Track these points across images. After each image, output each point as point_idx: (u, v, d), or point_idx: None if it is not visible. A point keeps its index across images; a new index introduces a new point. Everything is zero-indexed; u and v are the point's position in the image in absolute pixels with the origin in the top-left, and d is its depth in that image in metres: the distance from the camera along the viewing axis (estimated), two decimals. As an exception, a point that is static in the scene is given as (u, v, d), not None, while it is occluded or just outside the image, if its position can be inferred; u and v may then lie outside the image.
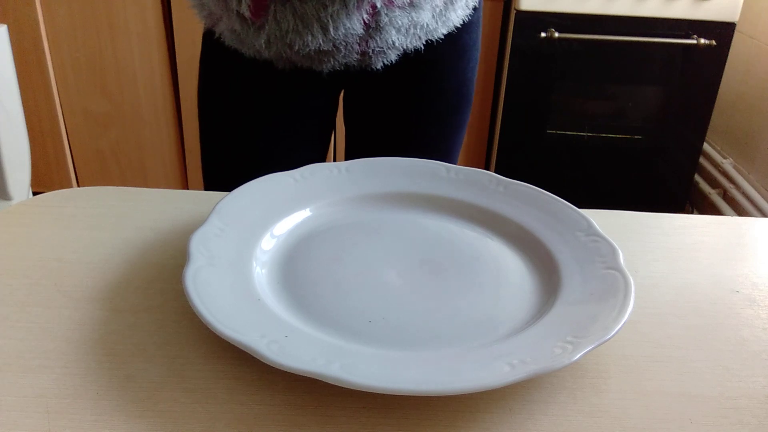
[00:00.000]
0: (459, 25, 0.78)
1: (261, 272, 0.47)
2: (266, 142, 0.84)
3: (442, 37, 0.77)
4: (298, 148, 0.86)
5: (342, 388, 0.38)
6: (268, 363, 0.37)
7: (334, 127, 0.91)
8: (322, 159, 0.90)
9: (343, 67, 0.75)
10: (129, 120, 1.90)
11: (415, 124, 0.84)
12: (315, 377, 0.36)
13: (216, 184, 0.87)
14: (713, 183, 2.01)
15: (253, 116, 0.82)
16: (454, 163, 0.90)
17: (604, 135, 1.93)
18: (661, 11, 1.73)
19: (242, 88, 0.81)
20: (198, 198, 0.60)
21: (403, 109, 0.83)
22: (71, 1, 1.74)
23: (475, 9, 0.79)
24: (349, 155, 0.91)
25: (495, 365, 0.38)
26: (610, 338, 0.40)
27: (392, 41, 0.72)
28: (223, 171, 0.87)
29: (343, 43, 0.71)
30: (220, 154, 0.86)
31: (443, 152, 0.87)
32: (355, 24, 0.69)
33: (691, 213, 2.08)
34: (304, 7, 0.67)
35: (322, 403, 0.39)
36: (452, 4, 0.75)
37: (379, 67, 0.76)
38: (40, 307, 0.45)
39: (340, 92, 0.87)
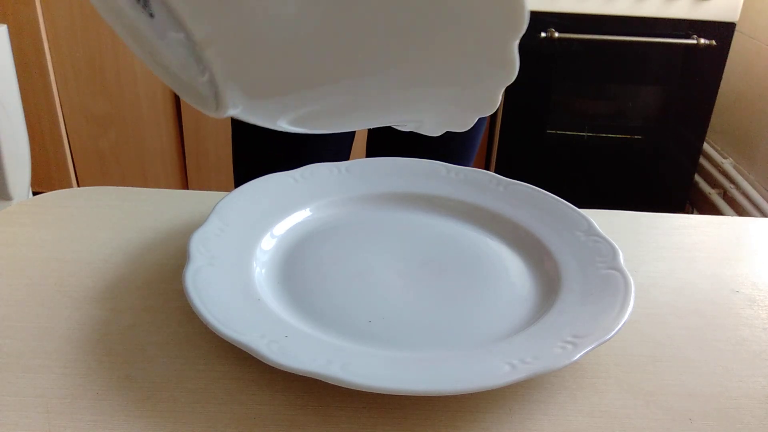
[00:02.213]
0: None
1: (261, 272, 0.47)
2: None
3: None
4: (332, 135, 0.87)
5: (342, 388, 0.38)
6: (268, 363, 0.37)
7: None
8: (350, 146, 0.93)
9: None
10: (129, 120, 1.90)
11: None
12: (315, 377, 0.36)
13: (247, 170, 0.88)
14: (713, 183, 2.01)
15: None
16: (475, 152, 0.94)
17: (604, 135, 1.92)
18: (661, 11, 1.73)
19: None
20: (198, 198, 0.60)
21: None
22: (71, 1, 1.74)
23: None
24: (372, 142, 0.94)
25: (495, 365, 0.38)
26: (610, 338, 0.40)
27: None
28: (255, 157, 0.88)
29: None
30: (252, 138, 0.87)
31: (468, 140, 0.90)
32: None
33: (691, 213, 2.08)
34: None
35: (322, 403, 0.39)
36: None
37: None
38: (40, 307, 0.45)
39: None
